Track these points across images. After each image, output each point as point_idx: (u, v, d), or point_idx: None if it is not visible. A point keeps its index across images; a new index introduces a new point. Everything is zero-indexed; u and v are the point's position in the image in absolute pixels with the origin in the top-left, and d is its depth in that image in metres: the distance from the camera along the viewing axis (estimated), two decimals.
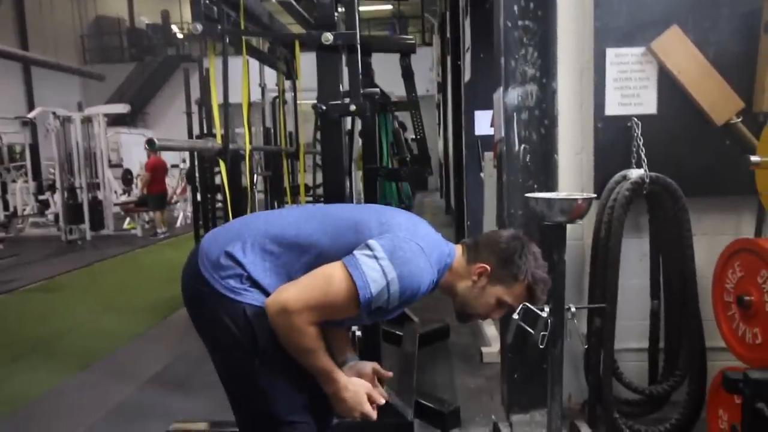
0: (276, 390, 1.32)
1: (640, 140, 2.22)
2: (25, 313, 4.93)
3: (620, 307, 2.33)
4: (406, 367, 2.90)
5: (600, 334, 2.29)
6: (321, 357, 1.28)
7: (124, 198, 10.09)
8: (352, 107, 2.14)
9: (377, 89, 2.80)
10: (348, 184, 3.06)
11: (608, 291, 2.25)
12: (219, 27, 2.14)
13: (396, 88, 3.64)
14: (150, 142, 1.89)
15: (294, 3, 2.47)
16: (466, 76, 4.99)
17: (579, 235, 2.46)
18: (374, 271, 1.21)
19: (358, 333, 2.31)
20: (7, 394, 3.07)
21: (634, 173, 2.20)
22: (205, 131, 4.09)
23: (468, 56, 4.94)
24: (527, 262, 1.37)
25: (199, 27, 2.11)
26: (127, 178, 10.80)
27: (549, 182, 2.43)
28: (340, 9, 2.19)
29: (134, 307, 4.71)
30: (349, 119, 3.15)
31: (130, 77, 16.24)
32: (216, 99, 2.39)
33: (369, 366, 1.56)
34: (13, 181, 10.75)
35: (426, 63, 12.67)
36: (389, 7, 15.33)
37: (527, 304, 2.06)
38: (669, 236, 2.27)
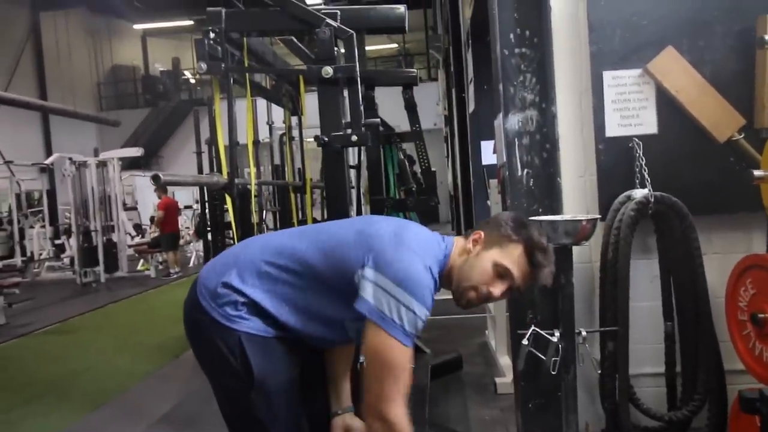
0: (273, 420, 1.29)
1: (642, 160, 2.22)
2: (40, 355, 4.95)
3: (633, 331, 2.28)
4: (418, 399, 2.84)
5: (614, 359, 2.23)
6: None
7: (137, 240, 10.21)
8: (354, 138, 2.17)
9: (378, 119, 2.85)
10: (354, 214, 3.09)
11: (619, 313, 2.21)
12: (222, 65, 2.21)
13: (403, 123, 3.71)
14: (155, 178, 1.93)
15: (294, 39, 2.55)
16: (471, 107, 5.06)
17: (587, 258, 2.43)
18: (396, 309, 1.20)
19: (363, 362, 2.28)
20: None
21: (639, 193, 2.19)
22: (215, 169, 4.17)
23: (471, 88, 5.02)
24: (524, 227, 1.32)
25: (204, 66, 2.19)
26: (140, 227, 10.97)
27: (554, 205, 2.42)
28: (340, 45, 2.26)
29: (146, 347, 4.71)
30: (355, 152, 3.21)
31: (145, 122, 16.69)
32: (222, 136, 2.45)
33: (363, 427, 1.49)
34: (31, 226, 10.96)
35: (433, 98, 12.87)
36: (395, 45, 15.72)
37: (536, 330, 2.05)
38: (678, 256, 2.23)
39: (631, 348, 2.27)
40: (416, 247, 1.27)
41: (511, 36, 2.40)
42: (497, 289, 1.31)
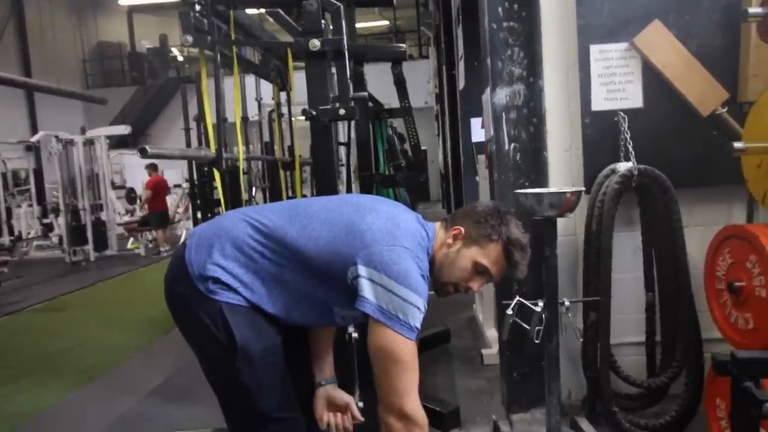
0: (260, 387, 1.31)
1: (627, 134, 2.25)
2: (31, 332, 4.96)
3: (616, 301, 2.34)
4: None
5: (596, 328, 2.29)
6: None
7: (127, 218, 10.15)
8: (342, 111, 2.17)
9: (366, 94, 2.84)
10: (343, 189, 3.10)
11: (602, 284, 2.26)
12: (209, 38, 2.19)
13: (393, 99, 3.70)
14: (142, 150, 1.93)
15: (282, 12, 2.53)
16: (461, 84, 5.05)
17: (572, 230, 2.47)
18: (399, 306, 1.21)
19: (355, 335, 2.32)
20: (13, 410, 3.08)
21: (623, 166, 2.23)
22: (203, 145, 4.15)
23: (462, 65, 5.01)
24: (503, 224, 1.35)
25: (190, 38, 2.17)
26: (131, 196, 10.89)
27: (540, 179, 2.45)
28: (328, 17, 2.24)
29: (136, 323, 4.73)
30: (345, 129, 3.21)
31: (132, 100, 16.44)
32: (209, 112, 2.44)
33: (345, 398, 1.54)
34: (18, 206, 10.86)
35: (424, 75, 12.79)
36: (386, 22, 15.53)
37: (520, 300, 2.10)
38: (660, 228, 2.28)
39: (612, 318, 2.33)
40: (408, 242, 1.29)
41: (500, 9, 2.40)
42: (476, 284, 1.38)
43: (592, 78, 2.28)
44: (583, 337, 2.37)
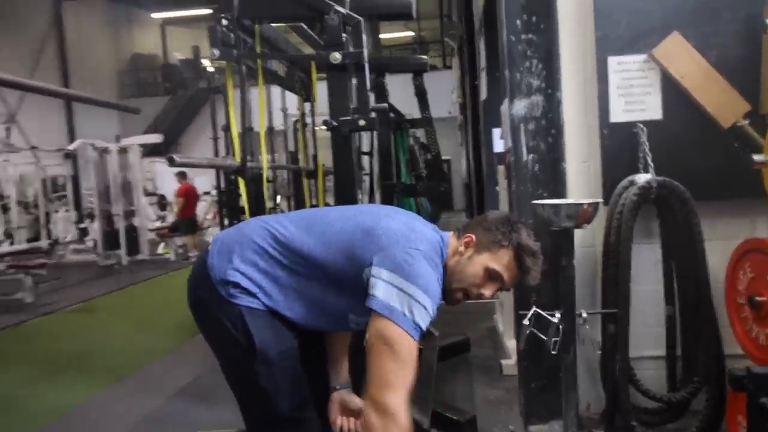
0: (277, 388, 1.36)
1: (646, 145, 2.24)
2: (64, 332, 5.15)
3: (635, 314, 2.32)
4: (425, 377, 2.92)
5: (614, 341, 2.28)
6: None
7: (158, 224, 10.43)
8: (362, 122, 2.23)
9: (386, 105, 2.90)
10: (365, 198, 3.15)
11: (620, 296, 2.25)
12: (234, 51, 2.28)
13: (415, 110, 3.74)
14: (170, 159, 2.02)
15: (304, 26, 2.61)
16: (483, 94, 5.07)
17: (590, 242, 2.47)
18: (407, 302, 1.22)
19: None
20: (46, 407, 3.21)
21: (642, 178, 2.22)
22: (230, 154, 4.27)
23: (484, 75, 5.02)
24: (513, 231, 1.36)
25: (217, 52, 2.26)
26: (161, 203, 11.20)
27: (558, 190, 2.46)
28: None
29: (165, 326, 4.86)
30: (369, 139, 3.28)
31: (165, 110, 16.90)
32: (234, 122, 2.52)
33: (358, 403, 1.53)
34: (56, 211, 11.28)
35: (448, 86, 12.81)
36: (411, 33, 15.64)
37: (537, 311, 2.10)
38: (680, 241, 2.26)
39: (632, 331, 2.31)
40: (423, 245, 1.31)
41: (518, 22, 2.43)
42: (488, 291, 1.37)
43: (611, 89, 2.28)
44: (602, 350, 2.36)
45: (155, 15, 18.40)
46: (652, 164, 2.22)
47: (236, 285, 1.35)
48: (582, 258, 2.47)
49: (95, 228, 9.47)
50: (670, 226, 2.30)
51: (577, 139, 2.44)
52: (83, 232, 10.53)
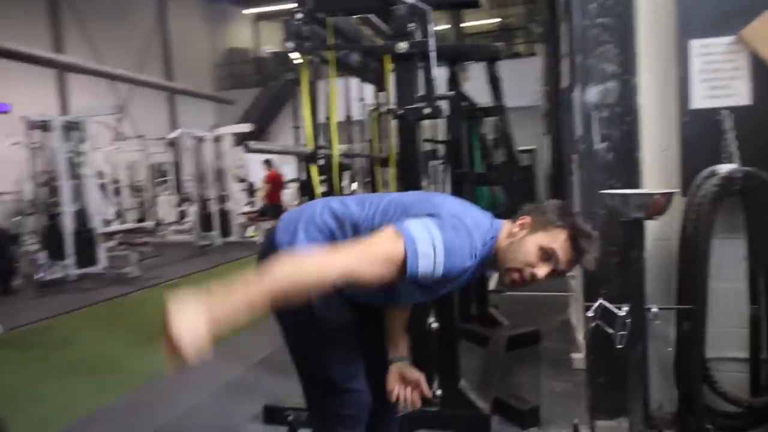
0: (332, 358, 1.47)
1: (731, 133, 2.10)
2: (163, 304, 5.65)
3: (716, 312, 2.20)
4: (489, 365, 2.94)
5: (689, 339, 2.17)
6: (259, 293, 1.18)
7: (247, 208, 11.08)
8: (427, 110, 2.27)
9: (452, 93, 2.91)
10: (435, 186, 3.19)
11: (697, 292, 2.13)
12: (307, 44, 2.40)
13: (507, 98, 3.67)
14: (246, 146, 2.17)
15: (373, 17, 2.67)
16: (563, 81, 4.89)
17: (668, 234, 2.35)
18: (422, 233, 1.25)
19: (435, 325, 2.41)
20: (145, 368, 3.59)
21: (724, 168, 2.08)
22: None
23: (566, 62, 4.84)
24: (570, 215, 1.35)
25: (291, 45, 2.39)
26: (250, 189, 11.91)
27: (632, 180, 2.36)
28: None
29: None
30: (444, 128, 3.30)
31: (256, 100, 17.79)
32: (308, 111, 2.66)
33: (416, 375, 1.60)
34: (160, 195, 12.36)
35: (534, 73, 12.39)
36: (496, 20, 15.25)
37: (603, 303, 2.05)
38: None
39: (712, 330, 2.19)
40: (472, 223, 1.34)
41: (593, 6, 2.35)
42: (541, 270, 1.34)
43: (692, 74, 2.15)
44: (676, 348, 2.25)
45: (248, 11, 19.35)
46: (737, 153, 2.08)
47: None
48: (658, 251, 2.36)
49: (192, 211, 10.26)
50: (756, 220, 2.14)
51: (654, 127, 2.32)
52: (182, 215, 11.45)
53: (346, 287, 1.43)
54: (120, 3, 14.89)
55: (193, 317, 1.11)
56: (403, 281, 1.30)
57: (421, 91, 2.33)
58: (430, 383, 2.47)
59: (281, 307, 1.52)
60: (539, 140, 12.28)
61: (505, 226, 1.41)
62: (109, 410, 2.95)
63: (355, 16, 2.85)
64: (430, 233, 1.26)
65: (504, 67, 3.44)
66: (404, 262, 1.24)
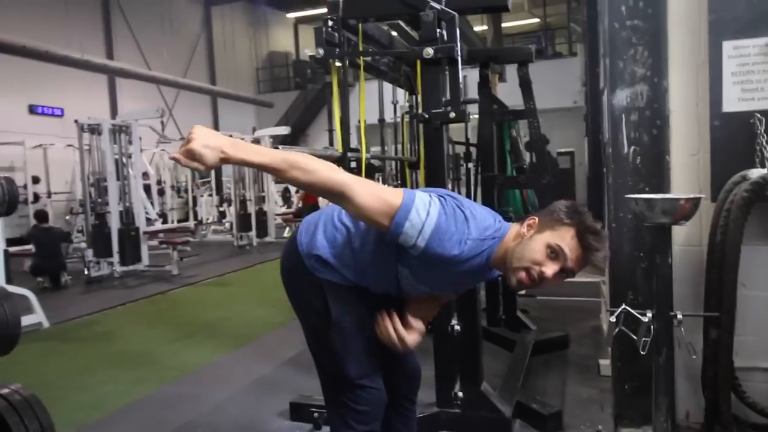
0: (348, 355, 1.52)
1: (764, 137, 2.04)
2: (200, 301, 5.89)
3: (747, 321, 2.15)
4: (514, 369, 2.93)
5: (716, 347, 2.12)
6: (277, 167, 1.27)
7: (283, 209, 11.30)
8: (452, 114, 2.30)
9: (476, 98, 2.92)
10: (464, 191, 3.20)
11: (725, 299, 2.09)
12: (337, 50, 2.47)
13: (542, 100, 3.63)
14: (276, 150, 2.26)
15: (403, 24, 2.72)
16: (601, 82, 4.81)
17: (698, 240, 2.31)
18: (423, 200, 1.32)
19: (458, 327, 2.44)
20: (180, 363, 3.74)
21: (756, 173, 2.03)
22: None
23: (604, 62, 4.76)
24: (578, 213, 1.35)
25: (321, 51, 2.47)
26: (285, 196, 12.14)
27: (661, 185, 2.32)
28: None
29: (282, 302, 5.23)
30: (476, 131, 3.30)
31: (295, 103, 18.14)
32: (338, 115, 2.72)
33: (417, 324, 1.55)
34: (201, 195, 12.75)
35: (574, 74, 12.17)
36: (536, 20, 15.05)
37: (626, 309, 2.03)
38: None
39: (742, 339, 2.14)
40: (471, 215, 1.36)
41: (623, 8, 2.33)
42: (549, 269, 1.32)
43: (724, 77, 2.11)
44: (703, 355, 2.21)
45: (290, 15, 19.73)
46: None
47: (318, 258, 1.52)
48: (687, 258, 2.32)
49: (231, 212, 10.55)
50: None
51: (685, 130, 2.28)
52: (222, 215, 11.77)
53: (358, 278, 1.49)
54: (167, 11, 15.46)
55: (211, 136, 1.27)
56: (400, 260, 1.36)
57: (448, 95, 2.37)
58: (452, 385, 2.51)
59: (300, 306, 1.59)
60: (579, 142, 12.07)
61: (513, 228, 1.42)
62: (145, 402, 3.09)
63: (385, 23, 2.90)
64: (428, 204, 1.31)
65: (546, 68, 3.46)
66: (396, 212, 1.29)
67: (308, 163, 1.29)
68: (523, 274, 1.34)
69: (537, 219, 1.39)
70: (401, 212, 1.29)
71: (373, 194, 1.31)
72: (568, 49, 14.16)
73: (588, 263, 1.35)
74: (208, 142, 1.25)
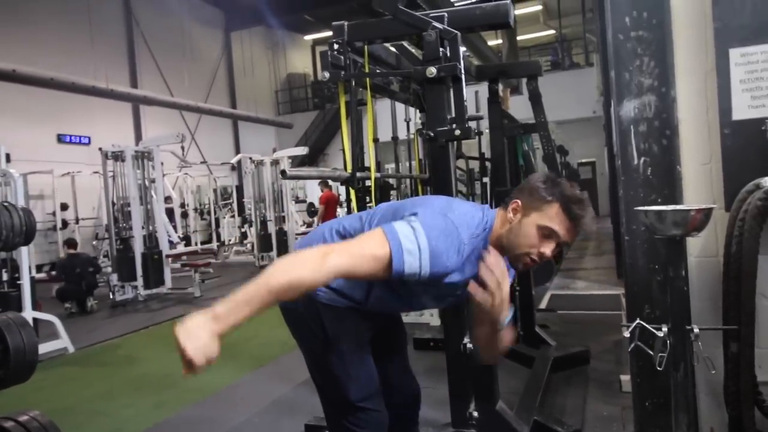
0: (348, 378, 1.52)
1: None
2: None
3: (767, 333, 2.07)
4: (532, 386, 2.88)
5: (737, 361, 2.06)
6: (264, 296, 1.27)
7: (303, 229, 11.38)
8: (457, 132, 2.31)
9: (482, 114, 2.92)
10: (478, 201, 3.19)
11: (743, 312, 2.02)
12: (342, 73, 2.51)
13: (552, 112, 3.64)
14: (282, 172, 2.29)
15: (406, 45, 2.75)
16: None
17: (714, 251, 2.25)
18: (407, 231, 1.29)
19: (470, 346, 2.41)
20: (201, 385, 3.77)
21: None
22: (358, 164, 4.57)
23: (610, 74, 4.72)
24: (555, 185, 1.37)
25: (327, 74, 2.51)
26: (311, 210, 12.24)
27: (673, 195, 2.28)
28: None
29: None
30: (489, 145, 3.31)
31: (314, 123, 18.38)
32: (346, 136, 2.76)
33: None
34: (224, 217, 12.95)
35: (592, 83, 12.10)
36: (552, 32, 15.02)
37: (641, 323, 2.00)
38: None
39: (765, 352, 2.07)
40: (457, 218, 1.36)
41: (627, 19, 2.32)
42: (547, 249, 1.38)
43: (733, 84, 2.07)
44: (724, 370, 2.14)
45: (307, 37, 20.09)
46: None
47: None
48: (704, 270, 2.27)
49: (252, 232, 10.67)
50: None
51: (695, 140, 2.24)
52: (243, 236, 11.91)
53: (367, 301, 1.50)
54: (188, 39, 15.91)
55: (197, 333, 1.21)
56: (404, 282, 1.35)
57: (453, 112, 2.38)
58: (467, 404, 2.48)
59: (298, 328, 1.60)
60: (599, 152, 11.94)
61: (499, 214, 1.45)
62: (166, 425, 3.12)
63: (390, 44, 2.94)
64: (414, 232, 1.29)
65: (564, 79, 3.46)
66: (391, 260, 1.28)
67: (292, 272, 1.26)
68: (527, 259, 1.39)
69: (519, 202, 1.41)
70: (395, 260, 1.28)
71: (362, 257, 1.29)
72: (584, 59, 14.09)
73: (579, 231, 1.40)
74: (197, 342, 1.20)
